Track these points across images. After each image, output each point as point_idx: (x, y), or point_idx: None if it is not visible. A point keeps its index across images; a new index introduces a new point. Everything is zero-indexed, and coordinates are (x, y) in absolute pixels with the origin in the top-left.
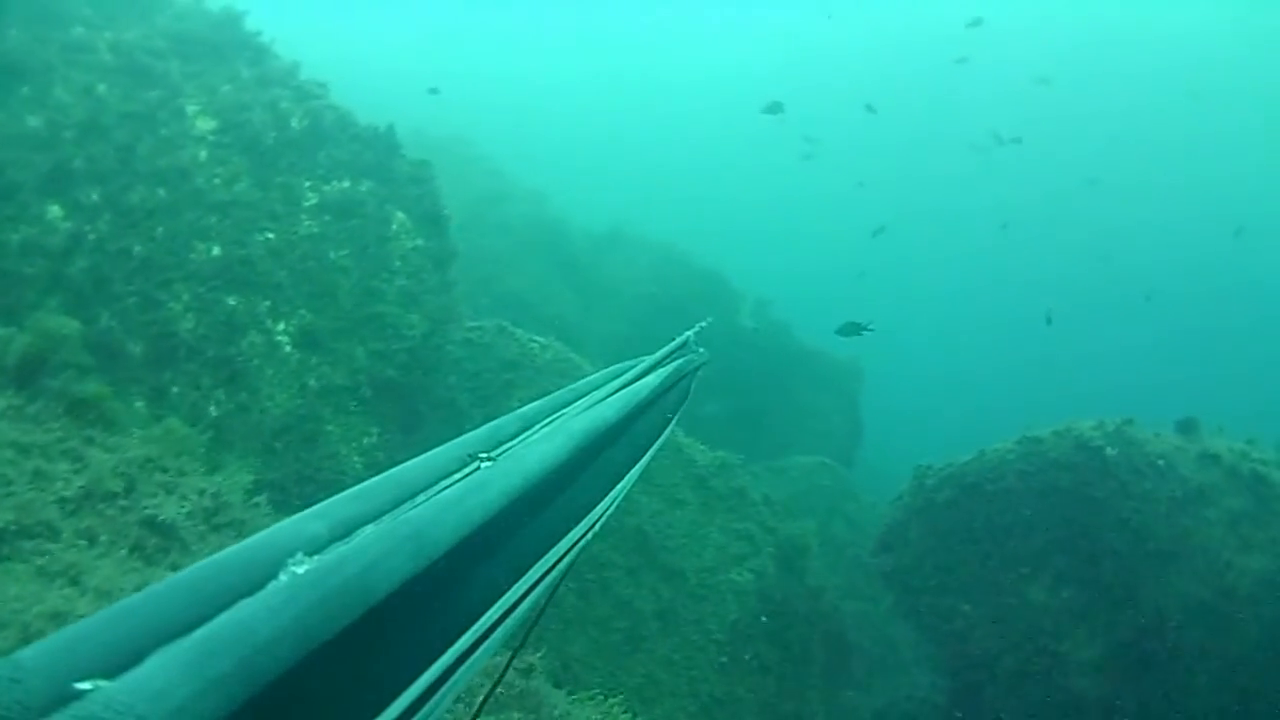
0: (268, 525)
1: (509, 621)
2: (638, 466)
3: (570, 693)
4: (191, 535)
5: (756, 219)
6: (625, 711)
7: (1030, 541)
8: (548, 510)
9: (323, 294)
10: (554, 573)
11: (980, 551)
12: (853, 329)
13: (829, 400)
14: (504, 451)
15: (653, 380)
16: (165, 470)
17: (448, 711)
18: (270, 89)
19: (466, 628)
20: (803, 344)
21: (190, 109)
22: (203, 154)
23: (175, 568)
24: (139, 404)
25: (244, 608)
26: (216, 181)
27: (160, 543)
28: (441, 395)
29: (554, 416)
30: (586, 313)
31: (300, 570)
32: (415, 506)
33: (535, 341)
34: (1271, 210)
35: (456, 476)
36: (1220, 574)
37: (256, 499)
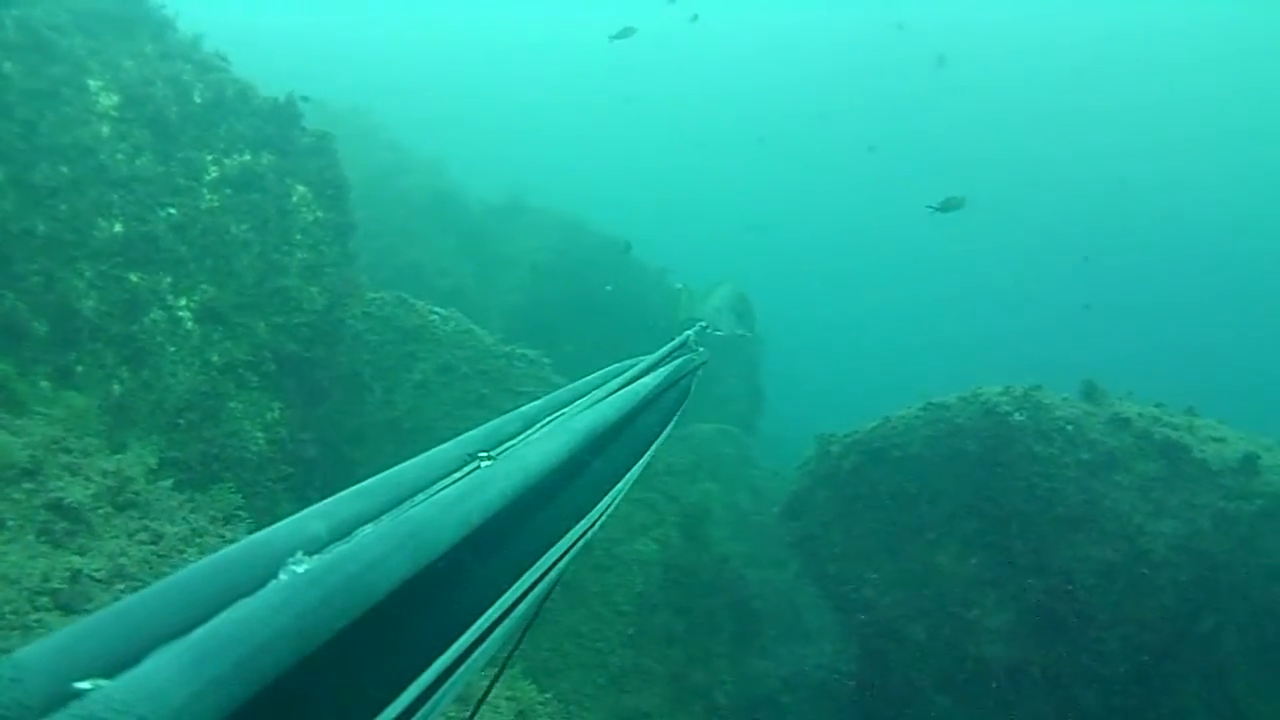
0: (172, 505)
1: (509, 620)
2: (638, 465)
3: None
4: (97, 517)
5: (657, 184)
6: (530, 681)
7: (937, 508)
8: (548, 509)
9: (224, 269)
10: (554, 572)
11: (886, 518)
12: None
13: (728, 366)
14: (504, 451)
15: (652, 380)
16: (70, 451)
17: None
18: (173, 63)
19: (467, 627)
20: None
21: (93, 84)
22: (105, 130)
23: (83, 551)
24: (44, 384)
25: (244, 607)
26: (119, 158)
27: (68, 526)
28: (344, 368)
29: (554, 416)
30: (485, 283)
31: (300, 569)
32: (415, 506)
33: (436, 313)
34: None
35: (456, 476)
36: (1132, 538)
37: (162, 481)
